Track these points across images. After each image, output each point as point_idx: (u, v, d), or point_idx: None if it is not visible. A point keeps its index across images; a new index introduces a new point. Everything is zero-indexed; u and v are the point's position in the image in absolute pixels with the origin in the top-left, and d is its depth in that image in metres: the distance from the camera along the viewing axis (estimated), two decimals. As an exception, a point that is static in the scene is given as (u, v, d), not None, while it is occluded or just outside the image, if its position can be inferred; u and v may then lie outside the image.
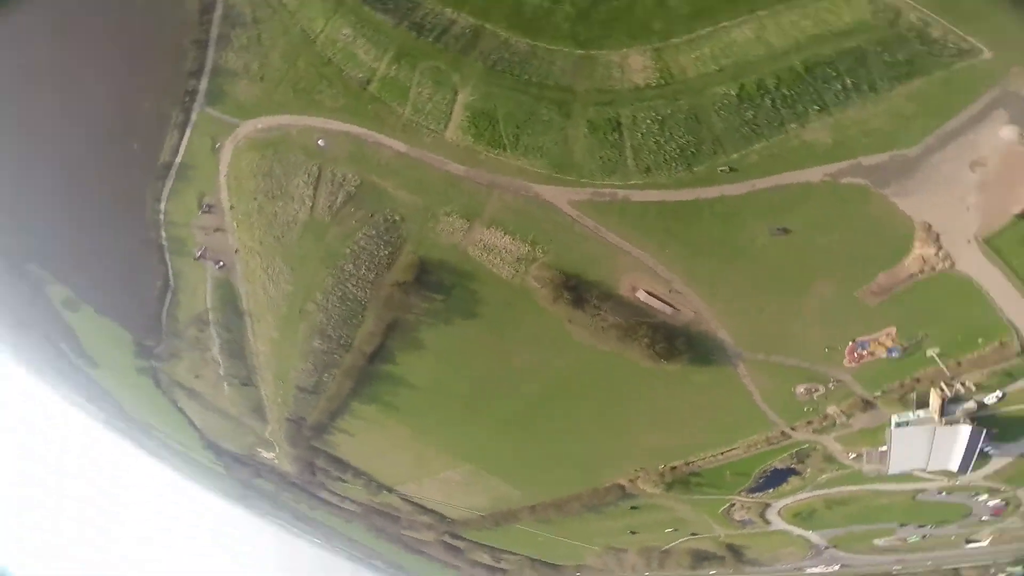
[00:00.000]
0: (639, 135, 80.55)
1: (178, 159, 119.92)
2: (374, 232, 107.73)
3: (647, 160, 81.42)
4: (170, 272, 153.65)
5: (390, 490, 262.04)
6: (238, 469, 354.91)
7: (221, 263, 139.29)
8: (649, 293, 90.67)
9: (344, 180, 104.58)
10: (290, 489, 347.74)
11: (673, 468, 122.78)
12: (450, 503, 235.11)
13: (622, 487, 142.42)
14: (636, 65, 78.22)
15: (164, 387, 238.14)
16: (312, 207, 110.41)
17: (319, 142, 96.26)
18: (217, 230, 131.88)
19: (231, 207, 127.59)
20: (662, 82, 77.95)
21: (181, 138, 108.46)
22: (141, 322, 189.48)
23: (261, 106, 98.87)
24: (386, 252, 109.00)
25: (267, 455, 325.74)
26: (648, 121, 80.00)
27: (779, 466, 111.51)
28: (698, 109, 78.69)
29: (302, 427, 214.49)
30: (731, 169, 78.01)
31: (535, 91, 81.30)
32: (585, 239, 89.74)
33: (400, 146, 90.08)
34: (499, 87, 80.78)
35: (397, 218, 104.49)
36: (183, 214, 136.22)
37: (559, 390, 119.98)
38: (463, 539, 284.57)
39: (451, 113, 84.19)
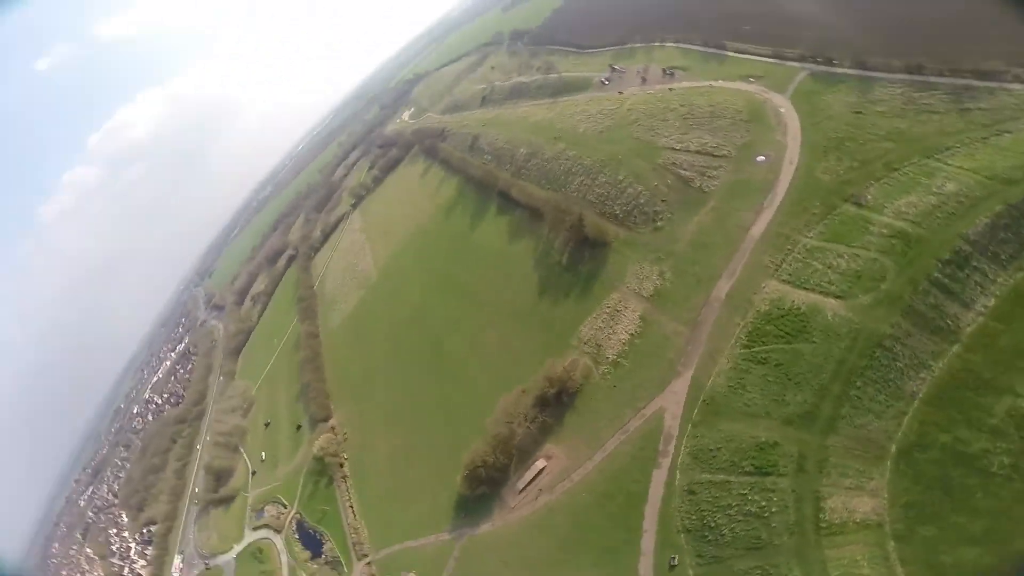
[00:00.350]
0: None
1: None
2: (641, 200, 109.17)
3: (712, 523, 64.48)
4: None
5: (355, 206, 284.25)
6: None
7: (607, 80, 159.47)
8: (539, 470, 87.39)
9: (701, 176, 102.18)
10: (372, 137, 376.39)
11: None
12: (342, 259, 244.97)
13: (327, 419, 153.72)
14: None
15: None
16: (668, 144, 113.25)
17: (760, 157, 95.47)
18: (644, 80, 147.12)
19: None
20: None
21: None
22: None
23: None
24: (617, 211, 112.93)
25: (406, 113, 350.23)
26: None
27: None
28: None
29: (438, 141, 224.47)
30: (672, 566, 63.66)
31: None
32: (616, 413, 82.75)
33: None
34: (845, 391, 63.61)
35: (659, 223, 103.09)
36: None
37: (454, 358, 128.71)
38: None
39: (787, 314, 71.51)
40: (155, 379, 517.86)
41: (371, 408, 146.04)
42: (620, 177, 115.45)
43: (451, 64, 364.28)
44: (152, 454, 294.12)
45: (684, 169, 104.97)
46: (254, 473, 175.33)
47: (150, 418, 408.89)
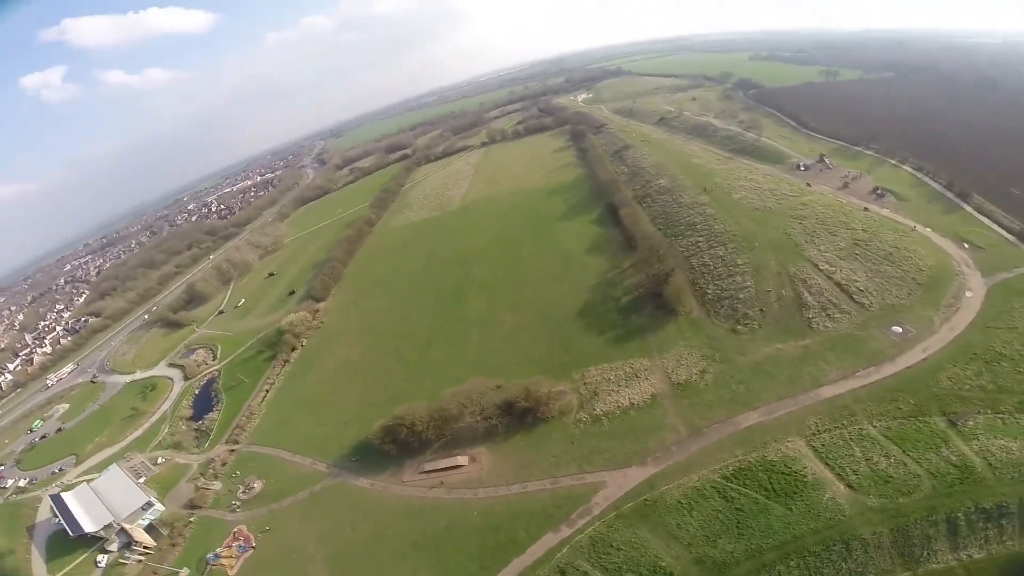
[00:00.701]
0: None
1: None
2: (741, 295, 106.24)
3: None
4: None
5: (484, 144, 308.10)
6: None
7: (805, 167, 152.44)
8: (456, 465, 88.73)
9: (821, 310, 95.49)
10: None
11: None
12: (440, 180, 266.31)
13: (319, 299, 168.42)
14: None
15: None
16: (814, 258, 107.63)
17: (897, 327, 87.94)
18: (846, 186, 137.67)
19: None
20: None
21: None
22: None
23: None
24: (709, 290, 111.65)
25: (583, 95, 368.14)
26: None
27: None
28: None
29: (591, 131, 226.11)
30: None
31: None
32: (561, 462, 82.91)
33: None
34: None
35: (740, 327, 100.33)
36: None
37: (466, 316, 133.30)
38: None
39: (789, 474, 68.70)
40: (227, 190, 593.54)
41: (361, 312, 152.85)
42: (739, 261, 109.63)
43: (657, 77, 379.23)
44: (162, 250, 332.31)
45: (810, 292, 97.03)
46: (220, 312, 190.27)
47: (193, 219, 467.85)
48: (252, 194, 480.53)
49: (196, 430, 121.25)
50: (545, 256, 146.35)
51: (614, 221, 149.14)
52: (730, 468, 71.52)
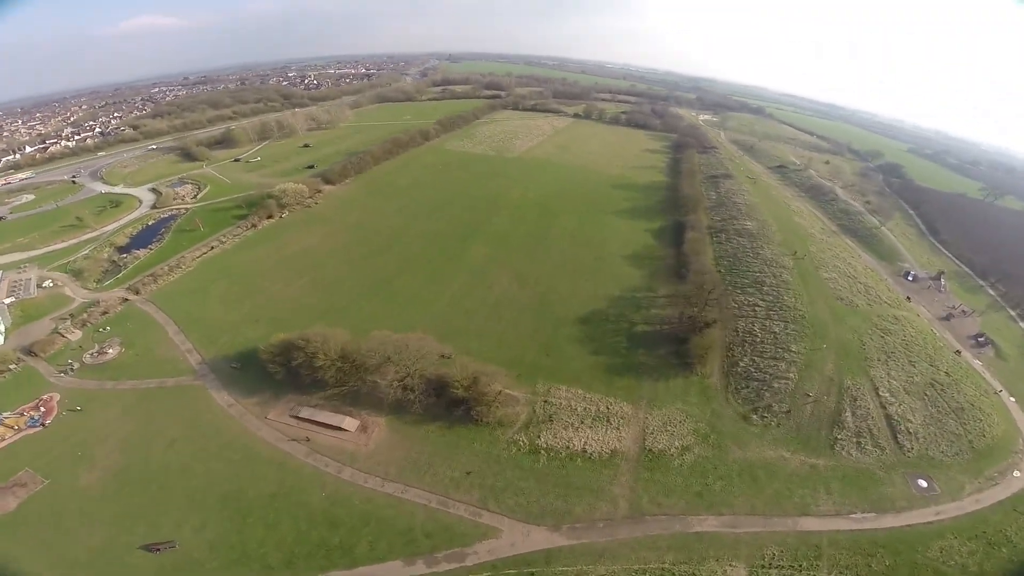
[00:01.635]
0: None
1: None
2: (776, 384, 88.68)
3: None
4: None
5: (577, 116, 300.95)
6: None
7: (914, 277, 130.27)
8: (340, 427, 74.39)
9: (854, 436, 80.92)
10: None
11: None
12: (515, 129, 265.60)
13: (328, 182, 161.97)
14: None
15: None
16: (877, 378, 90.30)
17: (923, 482, 77.17)
18: (949, 317, 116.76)
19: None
20: None
21: None
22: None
23: None
24: (741, 363, 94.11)
25: (705, 115, 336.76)
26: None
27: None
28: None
29: (698, 146, 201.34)
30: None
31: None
32: (463, 482, 67.63)
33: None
34: None
35: (756, 417, 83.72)
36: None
37: (461, 259, 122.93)
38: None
39: None
40: (330, 71, 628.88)
41: (360, 210, 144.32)
42: (793, 347, 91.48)
43: (797, 130, 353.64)
44: (237, 97, 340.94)
45: (853, 414, 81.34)
46: (236, 160, 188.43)
47: (284, 84, 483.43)
48: (347, 81, 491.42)
49: (112, 262, 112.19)
50: (579, 242, 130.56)
51: (674, 242, 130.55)
52: (646, 575, 58.12)
